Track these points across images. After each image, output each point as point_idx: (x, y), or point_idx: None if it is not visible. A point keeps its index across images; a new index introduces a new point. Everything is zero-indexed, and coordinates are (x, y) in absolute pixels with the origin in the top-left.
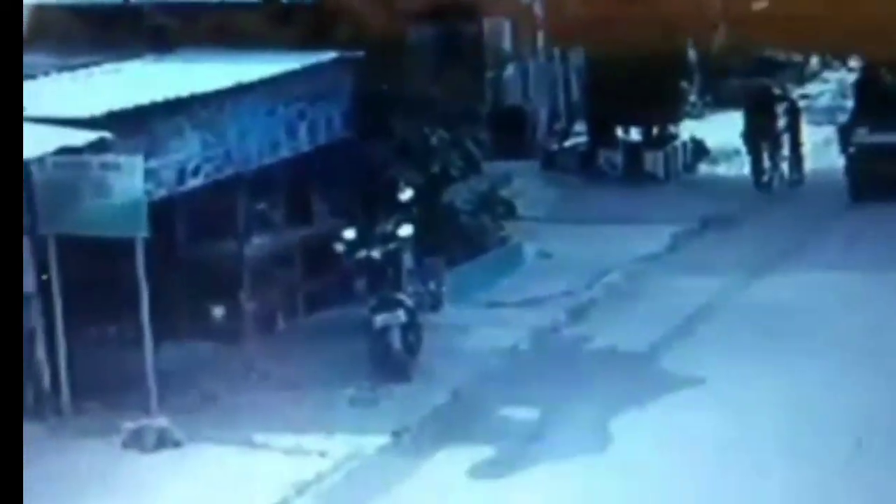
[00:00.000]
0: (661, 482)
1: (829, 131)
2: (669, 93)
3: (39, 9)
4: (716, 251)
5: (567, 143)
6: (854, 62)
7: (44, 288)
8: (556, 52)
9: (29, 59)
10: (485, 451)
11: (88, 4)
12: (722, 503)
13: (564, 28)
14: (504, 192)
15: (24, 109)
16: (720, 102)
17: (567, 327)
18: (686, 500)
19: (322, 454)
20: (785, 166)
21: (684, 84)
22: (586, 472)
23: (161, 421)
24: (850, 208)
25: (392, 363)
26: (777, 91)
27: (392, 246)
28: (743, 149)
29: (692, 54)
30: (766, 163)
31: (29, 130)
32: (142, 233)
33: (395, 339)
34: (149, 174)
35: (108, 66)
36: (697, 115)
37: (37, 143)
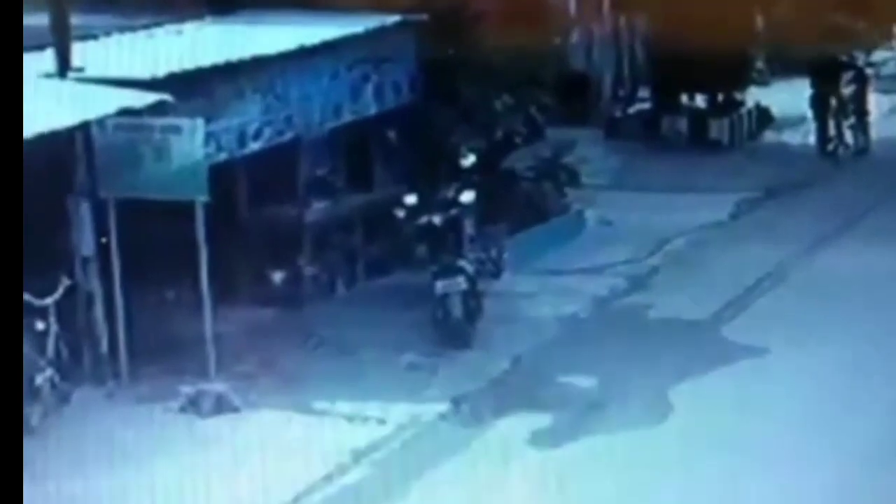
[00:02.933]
0: (721, 452)
1: None
2: (735, 59)
3: None
4: (780, 220)
5: (631, 110)
6: None
7: (103, 251)
8: (622, 17)
9: (90, 20)
10: (544, 420)
11: None
12: (784, 473)
13: None
14: (567, 159)
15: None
16: (786, 69)
17: (628, 296)
18: (748, 469)
19: (380, 421)
20: (850, 134)
21: (750, 50)
22: (646, 441)
23: (219, 386)
24: None
25: (452, 330)
26: (844, 58)
27: (453, 212)
28: (809, 116)
29: (759, 20)
30: (832, 131)
31: (89, 92)
32: (202, 196)
33: (456, 307)
34: (209, 137)
35: (169, 27)
36: (763, 82)
37: (97, 104)
